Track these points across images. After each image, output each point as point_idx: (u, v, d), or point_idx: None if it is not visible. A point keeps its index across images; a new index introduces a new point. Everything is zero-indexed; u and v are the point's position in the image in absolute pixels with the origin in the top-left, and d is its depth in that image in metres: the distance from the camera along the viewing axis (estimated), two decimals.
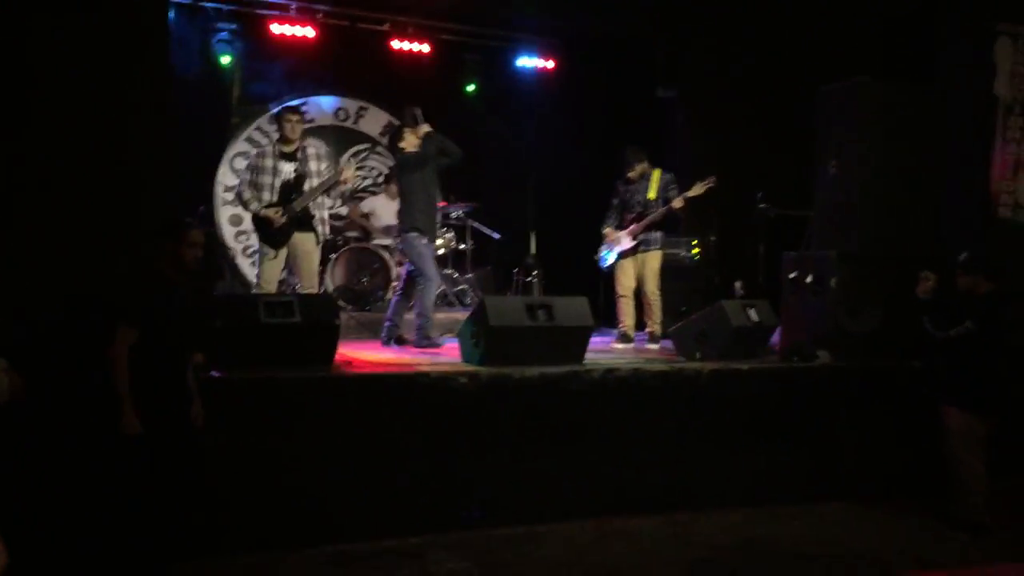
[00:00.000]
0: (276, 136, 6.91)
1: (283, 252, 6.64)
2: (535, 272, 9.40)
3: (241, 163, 8.92)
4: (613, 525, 5.27)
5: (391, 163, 10.36)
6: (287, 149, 6.68)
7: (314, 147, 6.91)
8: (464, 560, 4.60)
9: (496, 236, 9.41)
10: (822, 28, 8.18)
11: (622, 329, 7.35)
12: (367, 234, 8.78)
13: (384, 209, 9.02)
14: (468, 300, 8.86)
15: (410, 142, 6.86)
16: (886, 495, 5.97)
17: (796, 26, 8.42)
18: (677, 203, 7.03)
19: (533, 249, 10.15)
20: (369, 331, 7.48)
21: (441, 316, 7.91)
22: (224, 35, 8.87)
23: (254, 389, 4.67)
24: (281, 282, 7.13)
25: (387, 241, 8.69)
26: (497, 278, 9.54)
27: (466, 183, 9.45)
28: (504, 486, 5.18)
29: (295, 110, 6.83)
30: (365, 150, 10.34)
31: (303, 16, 9.22)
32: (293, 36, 9.20)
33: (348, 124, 10.26)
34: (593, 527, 5.22)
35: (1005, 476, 5.76)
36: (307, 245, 6.71)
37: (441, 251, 8.67)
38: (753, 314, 6.42)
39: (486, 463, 5.14)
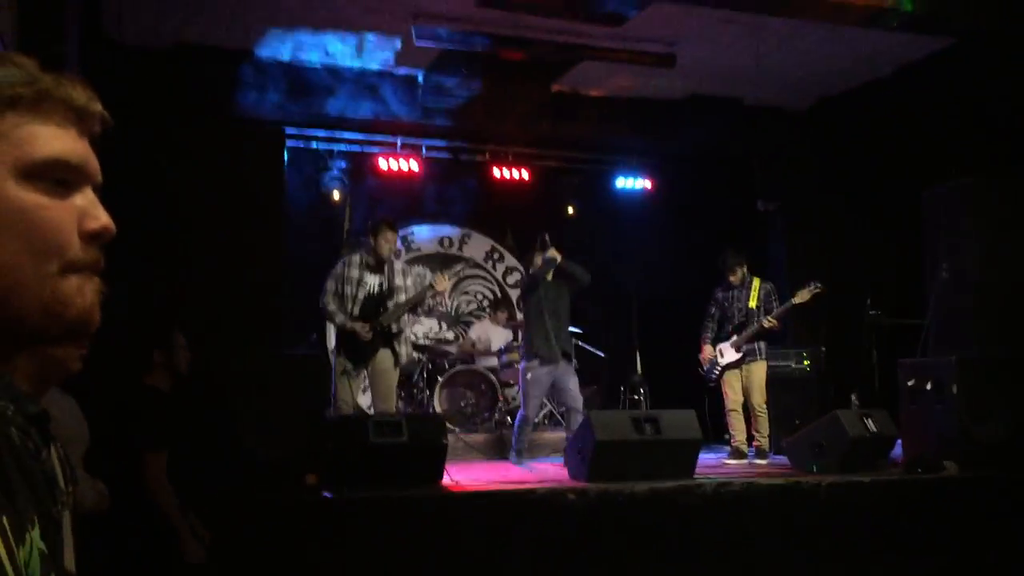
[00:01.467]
0: (365, 251, 6.66)
1: (364, 371, 6.44)
2: (642, 389, 9.31)
3: None
4: None
5: (495, 288, 10.60)
6: (373, 262, 6.51)
7: (400, 263, 6.84)
8: None
9: (602, 355, 9.40)
10: (925, 129, 8.13)
11: (735, 444, 7.16)
12: (474, 360, 8.89)
13: (492, 334, 9.16)
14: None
15: (536, 265, 6.98)
16: None
17: (899, 131, 8.38)
18: (768, 323, 6.94)
19: (639, 367, 10.07)
20: (477, 452, 7.50)
21: (549, 435, 7.89)
22: (335, 172, 9.35)
23: (364, 509, 4.72)
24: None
25: (493, 363, 8.78)
26: (604, 397, 9.47)
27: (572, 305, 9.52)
28: None
29: (392, 226, 6.61)
30: (469, 275, 10.59)
31: (408, 151, 9.66)
32: (400, 171, 9.63)
33: (452, 251, 10.57)
34: None
35: None
36: (386, 363, 6.45)
37: None
38: (871, 424, 6.19)
39: None
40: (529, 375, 6.74)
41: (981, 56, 7.28)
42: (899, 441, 6.45)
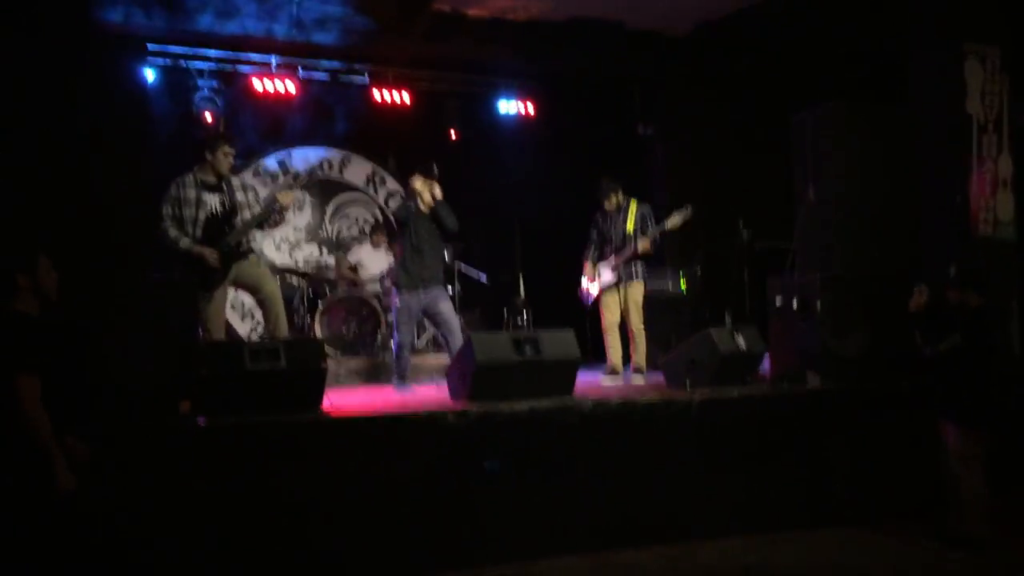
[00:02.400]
0: (197, 167, 6.19)
1: (219, 294, 6.13)
2: (525, 311, 9.42)
3: None
4: (609, 558, 5.21)
5: (376, 211, 10.46)
6: (211, 180, 6.15)
7: (238, 179, 6.48)
8: None
9: (483, 279, 9.43)
10: (797, 56, 8.32)
11: (610, 363, 7.34)
12: (355, 285, 8.81)
13: (371, 259, 9.06)
14: None
15: (412, 192, 6.88)
16: (883, 517, 5.92)
17: (770, 55, 8.56)
18: (643, 244, 7.08)
19: (522, 290, 10.17)
20: (359, 378, 7.47)
21: (431, 359, 7.91)
22: (206, 92, 8.96)
23: (240, 435, 4.66)
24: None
25: (375, 288, 8.71)
26: (487, 320, 9.55)
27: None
28: (497, 523, 5.13)
29: (230, 140, 6.27)
30: (349, 200, 10.42)
31: (284, 71, 9.34)
32: (276, 91, 9.31)
33: (332, 175, 10.35)
34: (589, 561, 5.16)
35: (1005, 492, 5.72)
36: (255, 270, 6.26)
37: None
38: (741, 340, 6.43)
39: (478, 500, 5.11)
40: (398, 302, 6.74)
41: None
42: (767, 356, 6.73)
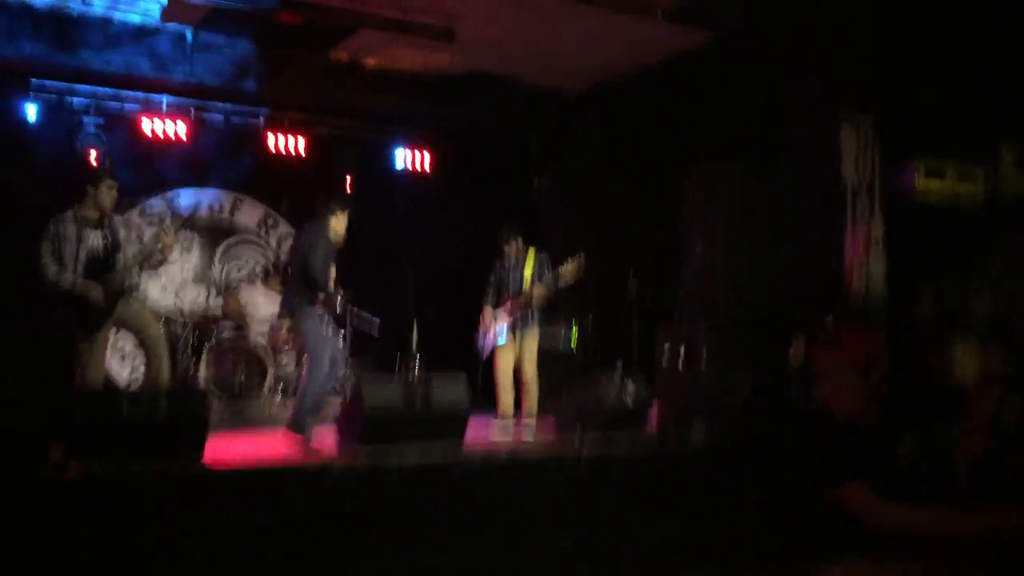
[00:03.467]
0: (78, 204, 6.01)
1: (101, 335, 5.92)
2: (417, 358, 9.36)
3: None
4: None
5: (271, 256, 10.29)
6: (93, 216, 5.98)
7: (121, 218, 6.32)
8: None
9: (376, 323, 9.34)
10: (685, 119, 8.64)
11: (501, 410, 7.37)
12: (240, 329, 8.61)
13: (262, 301, 8.89)
14: (348, 388, 8.74)
15: (336, 228, 6.70)
16: (767, 559, 6.05)
17: (660, 117, 8.86)
18: (539, 291, 7.19)
19: (415, 337, 10.11)
20: (245, 422, 7.29)
21: None
22: (91, 130, 8.71)
23: (114, 486, 4.46)
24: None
25: (263, 330, 8.54)
26: (379, 366, 9.45)
27: (344, 271, 9.41)
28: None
29: (113, 176, 6.14)
30: (240, 241, 10.22)
31: (175, 112, 9.16)
32: (165, 133, 9.10)
33: (223, 217, 10.14)
34: None
35: None
36: (139, 311, 6.13)
37: None
38: (630, 389, 6.56)
39: (362, 555, 5.00)
40: (312, 322, 6.44)
41: (737, 52, 7.81)
42: (655, 403, 6.87)
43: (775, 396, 6.38)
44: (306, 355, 6.55)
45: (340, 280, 9.26)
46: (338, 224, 6.67)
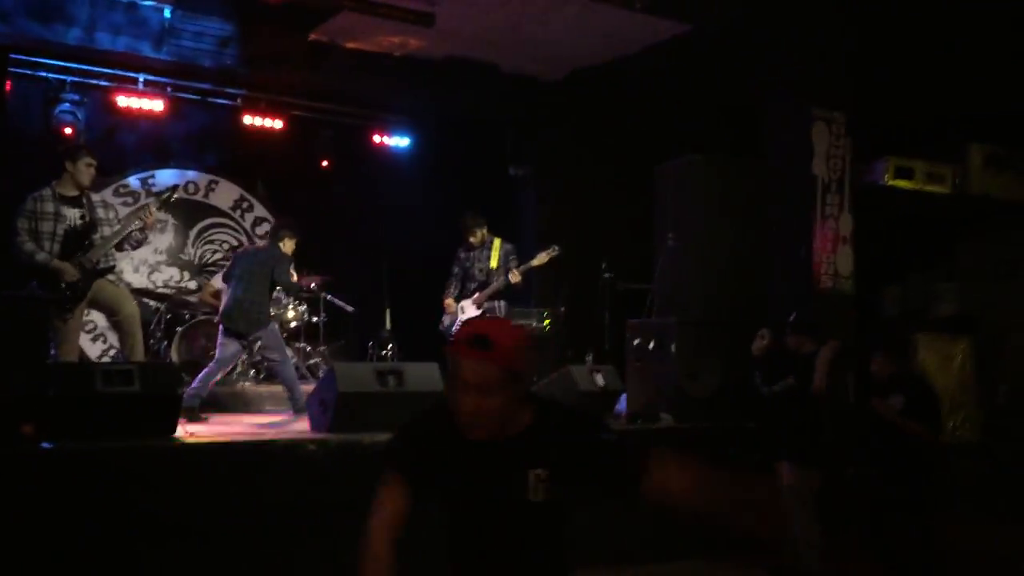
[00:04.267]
0: (56, 181, 5.95)
1: (76, 313, 5.87)
2: (390, 345, 9.41)
3: None
4: None
5: (242, 237, 10.26)
6: (71, 193, 5.92)
7: (99, 195, 6.29)
8: None
9: (350, 310, 9.38)
10: (661, 109, 8.72)
11: None
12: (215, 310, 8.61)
13: None
14: (321, 373, 8.77)
15: (288, 248, 7.03)
16: (733, 551, 6.17)
17: (636, 106, 8.94)
18: (514, 276, 7.22)
19: (388, 323, 10.15)
20: (215, 407, 7.29)
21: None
22: (67, 106, 8.63)
23: (88, 461, 4.48)
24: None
25: None
26: (352, 351, 9.49)
27: (319, 256, 9.44)
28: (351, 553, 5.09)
29: (91, 152, 6.08)
30: (215, 224, 10.19)
31: (152, 90, 9.10)
32: (141, 109, 9.06)
33: (198, 197, 10.10)
34: None
35: (836, 533, 6.06)
36: (114, 290, 6.09)
37: (294, 324, 8.59)
38: (599, 379, 6.63)
39: (336, 533, 5.05)
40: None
41: (713, 44, 7.90)
42: (624, 395, 6.96)
43: (741, 386, 6.50)
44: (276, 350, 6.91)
45: (317, 265, 9.38)
46: (286, 248, 7.06)
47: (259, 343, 6.96)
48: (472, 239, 7.49)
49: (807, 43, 7.41)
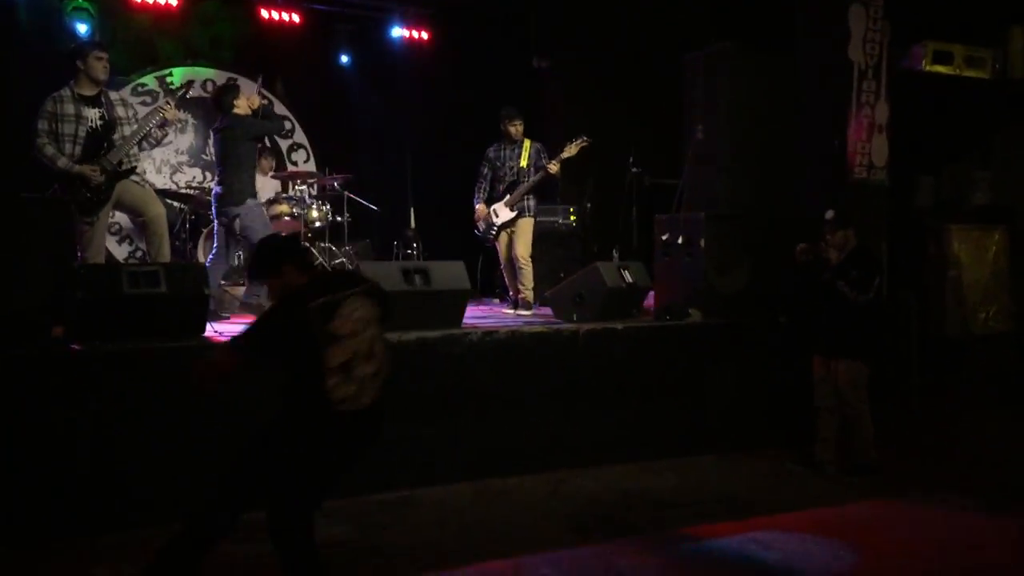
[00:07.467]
0: (73, 80, 5.78)
1: (101, 216, 5.83)
2: (415, 244, 9.36)
3: None
4: (491, 486, 5.32)
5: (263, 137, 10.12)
6: (89, 93, 5.77)
7: (116, 93, 6.14)
8: (342, 524, 4.56)
9: (375, 209, 9.30)
10: None
11: (512, 296, 7.35)
12: None
13: (258, 184, 8.80)
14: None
15: (242, 107, 6.58)
16: (754, 445, 6.21)
17: None
18: (553, 167, 7.02)
19: (413, 221, 10.09)
20: (243, 305, 7.32)
21: None
22: (78, 3, 8.44)
23: (116, 361, 4.51)
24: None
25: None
26: (376, 251, 9.45)
27: (342, 154, 9.32)
28: (380, 452, 5.14)
29: (102, 46, 5.91)
30: None
31: None
32: (156, 3, 8.85)
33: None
34: (471, 489, 5.26)
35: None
36: (139, 191, 6.00)
37: (318, 224, 8.52)
38: (627, 276, 6.57)
39: None
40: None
41: None
42: (652, 291, 6.91)
43: (770, 284, 6.42)
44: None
45: (338, 163, 9.23)
46: (242, 110, 6.62)
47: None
48: (513, 131, 7.25)
49: None
